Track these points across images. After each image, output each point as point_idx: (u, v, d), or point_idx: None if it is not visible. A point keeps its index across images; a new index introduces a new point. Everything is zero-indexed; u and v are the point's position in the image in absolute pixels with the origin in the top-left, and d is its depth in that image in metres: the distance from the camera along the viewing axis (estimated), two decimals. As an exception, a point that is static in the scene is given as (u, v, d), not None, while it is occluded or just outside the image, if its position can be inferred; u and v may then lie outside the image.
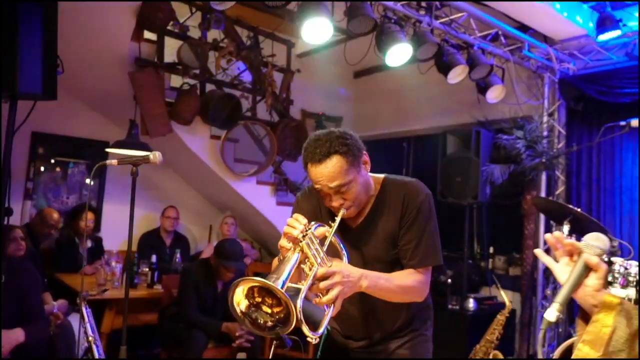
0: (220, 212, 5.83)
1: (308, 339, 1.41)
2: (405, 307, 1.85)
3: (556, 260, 1.26)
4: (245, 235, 6.13)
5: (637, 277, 3.05)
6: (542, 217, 4.91)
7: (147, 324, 4.46)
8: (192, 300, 3.76)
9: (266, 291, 1.41)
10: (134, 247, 5.06)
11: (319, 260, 1.50)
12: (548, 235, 1.25)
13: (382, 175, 1.89)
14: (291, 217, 1.88)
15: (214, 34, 4.76)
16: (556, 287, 4.76)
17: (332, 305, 1.47)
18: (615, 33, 4.19)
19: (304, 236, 1.53)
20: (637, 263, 3.14)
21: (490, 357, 3.59)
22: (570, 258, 1.23)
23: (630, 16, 4.29)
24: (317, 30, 3.45)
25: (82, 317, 3.14)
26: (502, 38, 4.51)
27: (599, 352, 1.11)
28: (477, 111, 5.07)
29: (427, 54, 3.96)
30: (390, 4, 3.74)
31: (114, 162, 2.26)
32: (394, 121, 6.51)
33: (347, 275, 1.51)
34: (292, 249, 1.53)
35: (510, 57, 4.63)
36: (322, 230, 1.60)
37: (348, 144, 1.68)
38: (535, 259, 4.91)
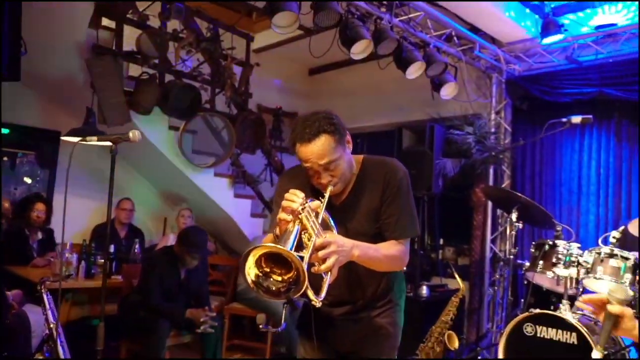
0: (175, 205, 5.78)
1: (313, 302, 1.52)
2: (385, 275, 1.99)
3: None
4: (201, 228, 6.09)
5: (578, 257, 3.36)
6: (489, 209, 5.21)
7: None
8: (156, 288, 3.73)
9: (274, 260, 1.49)
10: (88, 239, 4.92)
11: (316, 231, 1.60)
12: (581, 302, 1.55)
13: (360, 155, 2.02)
14: (275, 198, 1.98)
15: (173, 25, 4.73)
16: (503, 274, 5.07)
17: (329, 272, 1.57)
18: (558, 37, 4.52)
19: (302, 209, 1.62)
20: (577, 245, 3.47)
21: (445, 337, 3.81)
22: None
23: (571, 22, 4.64)
24: (285, 23, 3.54)
25: (43, 304, 3.08)
26: (455, 38, 4.75)
27: None
28: (430, 108, 5.30)
29: (387, 49, 4.12)
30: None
31: (94, 138, 2.25)
32: (348, 118, 6.60)
33: (342, 245, 1.62)
34: (292, 221, 1.61)
35: (462, 57, 4.88)
36: (317, 203, 1.70)
37: (334, 123, 1.81)
38: (483, 248, 5.20)
